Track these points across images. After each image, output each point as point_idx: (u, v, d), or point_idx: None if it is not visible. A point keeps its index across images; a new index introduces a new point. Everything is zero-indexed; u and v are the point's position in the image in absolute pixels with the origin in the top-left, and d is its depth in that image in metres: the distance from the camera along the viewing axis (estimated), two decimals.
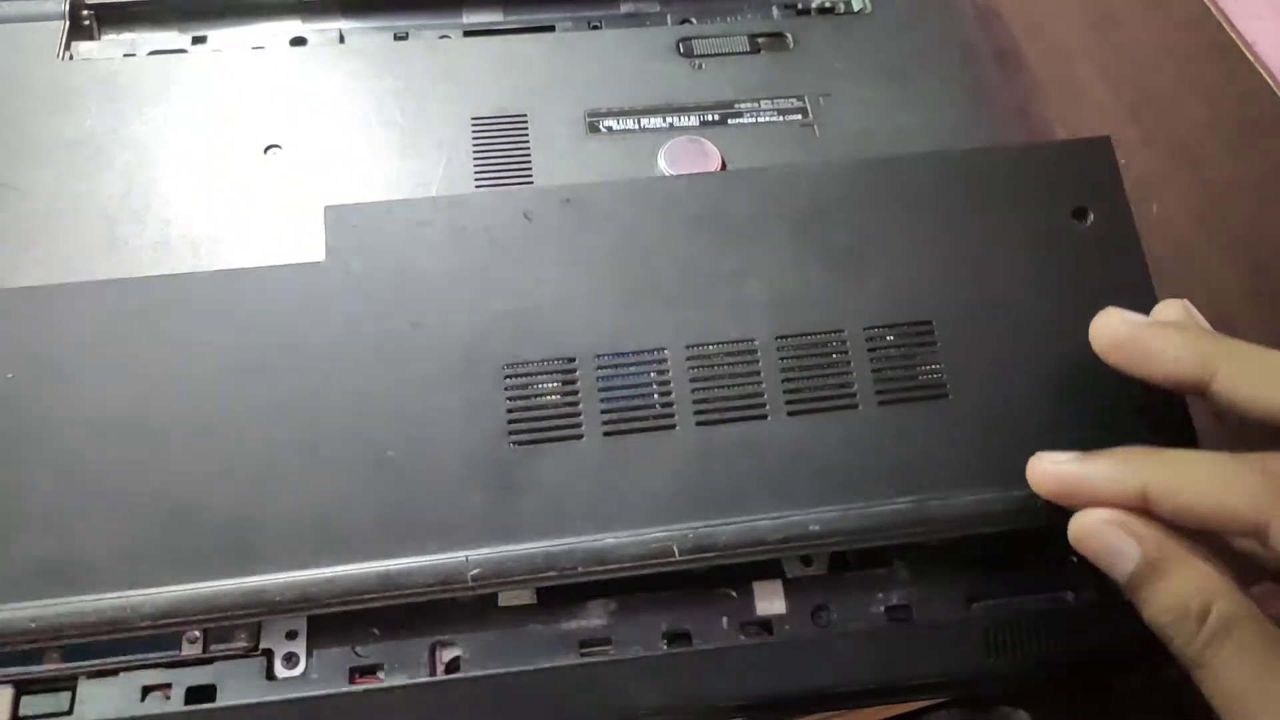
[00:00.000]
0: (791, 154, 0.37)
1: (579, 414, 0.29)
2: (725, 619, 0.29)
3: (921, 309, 0.30)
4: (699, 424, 0.29)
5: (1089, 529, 0.26)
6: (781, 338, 0.30)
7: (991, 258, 0.30)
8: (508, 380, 0.29)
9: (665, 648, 0.28)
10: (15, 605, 0.26)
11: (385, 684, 0.28)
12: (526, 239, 0.30)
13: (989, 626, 0.29)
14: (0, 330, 0.28)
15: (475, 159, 0.36)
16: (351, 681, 0.28)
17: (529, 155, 0.37)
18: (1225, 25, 0.49)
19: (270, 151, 0.36)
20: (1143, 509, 0.25)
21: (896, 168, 0.31)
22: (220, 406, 0.28)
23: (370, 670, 0.28)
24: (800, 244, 0.30)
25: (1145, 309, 0.29)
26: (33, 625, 0.26)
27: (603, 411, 0.29)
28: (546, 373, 0.29)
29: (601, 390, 0.29)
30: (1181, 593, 0.24)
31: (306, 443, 0.28)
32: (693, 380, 0.29)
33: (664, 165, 0.36)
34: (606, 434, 0.28)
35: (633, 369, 0.29)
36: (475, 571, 0.27)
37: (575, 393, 0.29)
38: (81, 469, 0.27)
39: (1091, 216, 0.31)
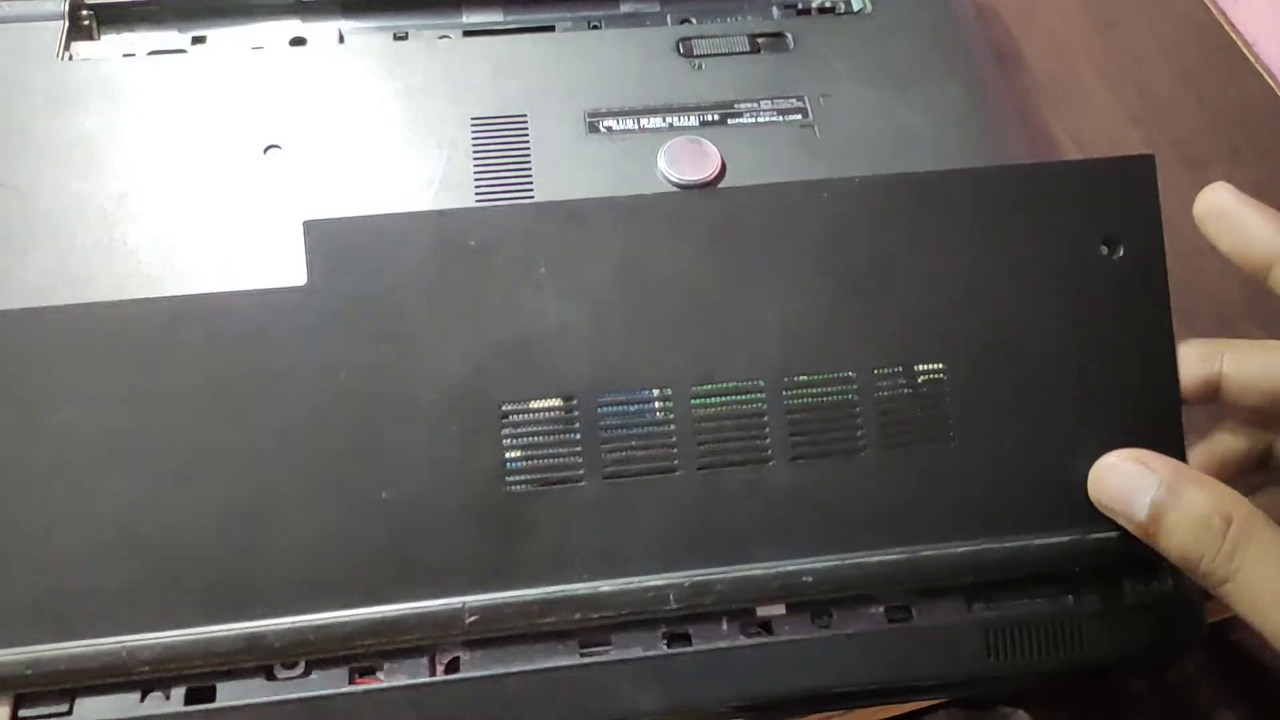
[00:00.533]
0: (791, 154, 0.37)
1: (579, 456, 0.28)
2: (725, 619, 0.29)
3: (934, 349, 0.29)
4: (701, 468, 0.28)
5: (1108, 466, 0.28)
6: (789, 378, 0.28)
7: (1011, 288, 0.29)
8: (505, 420, 0.28)
9: (665, 648, 0.28)
10: (14, 650, 0.26)
11: (385, 684, 0.28)
12: (523, 259, 0.28)
13: (989, 628, 0.29)
14: None
15: (475, 159, 0.36)
16: (351, 681, 0.28)
17: (529, 155, 0.37)
18: (1225, 25, 0.49)
19: (270, 151, 0.36)
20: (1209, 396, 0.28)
21: (924, 185, 0.29)
22: (209, 446, 0.27)
23: (370, 670, 0.28)
24: (814, 269, 0.29)
25: (1164, 353, 0.29)
26: (29, 672, 0.26)
27: (604, 454, 0.28)
28: (546, 412, 0.28)
29: (603, 432, 0.28)
30: (1203, 507, 0.26)
31: (300, 483, 0.27)
32: (696, 421, 0.28)
33: (664, 165, 0.36)
34: (607, 477, 0.28)
35: (635, 409, 0.28)
36: (473, 618, 0.27)
37: (575, 434, 0.28)
38: (70, 508, 0.27)
39: (1122, 248, 0.29)
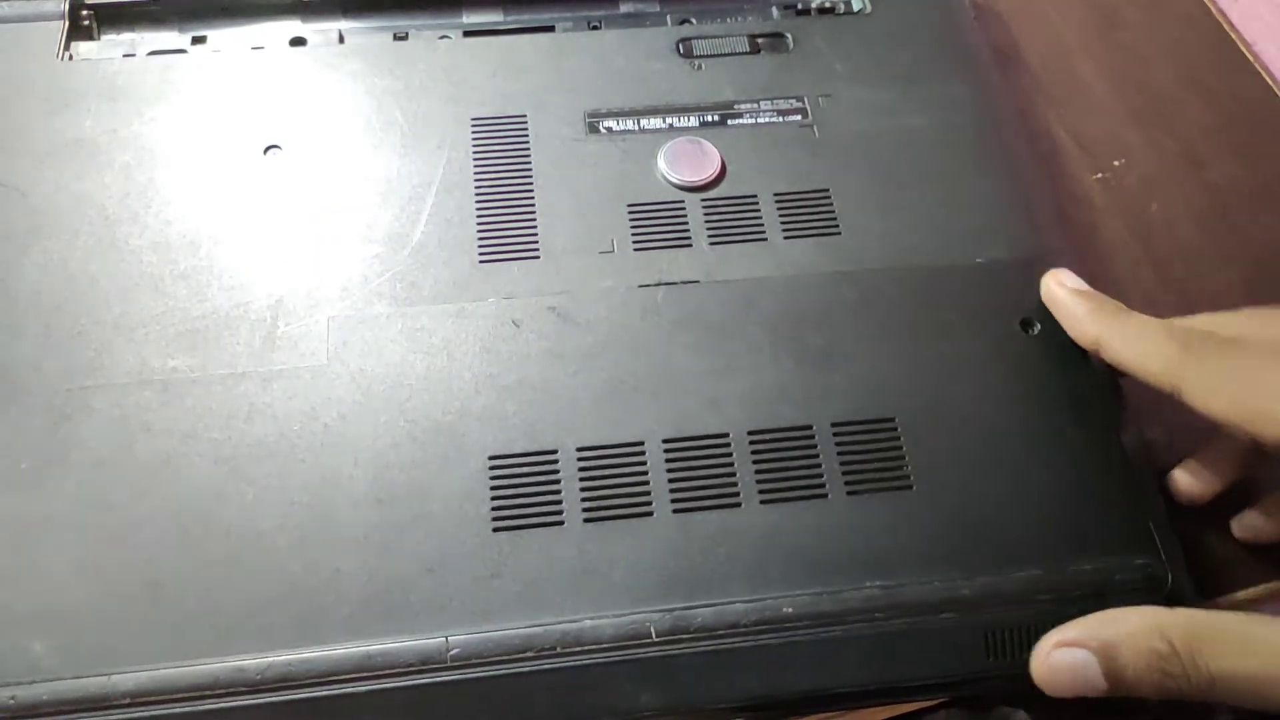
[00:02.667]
0: (791, 154, 0.37)
1: (560, 502, 0.30)
2: None
3: (885, 407, 0.32)
4: (675, 512, 0.30)
5: (1041, 663, 0.27)
6: (754, 432, 0.31)
7: (948, 361, 0.33)
8: (492, 470, 0.30)
9: (666, 647, 0.28)
10: None
11: (384, 684, 0.28)
12: (515, 342, 0.32)
13: (988, 628, 0.29)
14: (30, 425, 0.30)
15: (475, 159, 0.36)
16: None
17: (529, 155, 0.37)
18: (1225, 25, 0.49)
19: (270, 152, 0.36)
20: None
21: (860, 280, 0.34)
22: (211, 489, 0.29)
23: None
24: (772, 347, 0.33)
25: (1090, 409, 0.32)
26: (12, 702, 0.26)
27: (583, 500, 0.30)
28: (529, 463, 0.30)
29: (582, 480, 0.30)
30: (1144, 646, 0.25)
31: (293, 525, 0.29)
32: (669, 470, 0.30)
33: (664, 166, 0.36)
34: (586, 521, 0.29)
35: (612, 459, 0.30)
36: (455, 652, 0.28)
37: (557, 482, 0.30)
38: (70, 549, 0.28)
39: (1037, 326, 0.33)
